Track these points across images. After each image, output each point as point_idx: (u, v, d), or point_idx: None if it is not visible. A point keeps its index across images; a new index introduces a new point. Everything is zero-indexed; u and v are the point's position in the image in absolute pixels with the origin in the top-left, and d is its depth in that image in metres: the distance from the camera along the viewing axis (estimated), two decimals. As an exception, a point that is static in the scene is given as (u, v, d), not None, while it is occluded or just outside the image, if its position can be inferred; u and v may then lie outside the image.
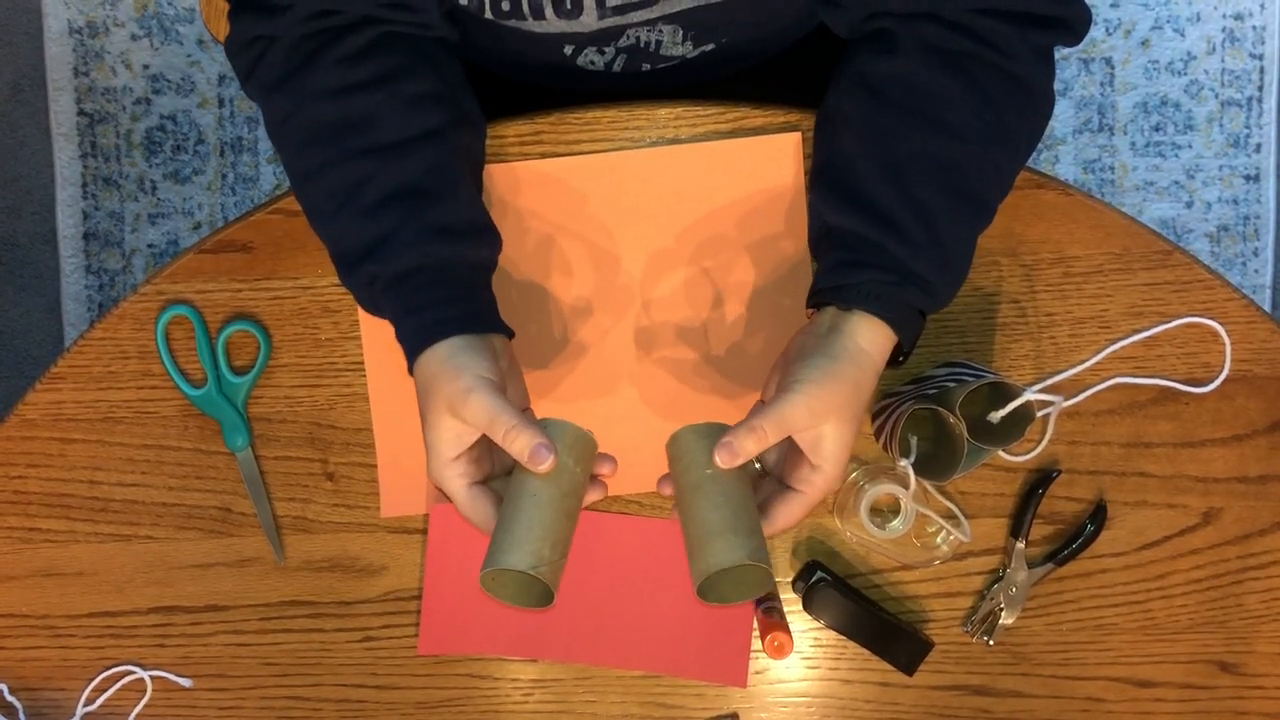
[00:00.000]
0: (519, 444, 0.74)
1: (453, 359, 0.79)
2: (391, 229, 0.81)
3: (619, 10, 0.83)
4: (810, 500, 0.78)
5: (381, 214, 0.81)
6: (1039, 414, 0.89)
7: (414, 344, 0.81)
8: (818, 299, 0.83)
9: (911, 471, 0.87)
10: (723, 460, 0.75)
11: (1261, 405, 0.93)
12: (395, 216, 0.81)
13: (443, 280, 0.82)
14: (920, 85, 0.82)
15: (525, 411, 0.83)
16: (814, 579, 0.91)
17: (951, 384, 0.86)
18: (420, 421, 0.80)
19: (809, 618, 0.93)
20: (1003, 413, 0.86)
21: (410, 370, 0.82)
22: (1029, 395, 0.86)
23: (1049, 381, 0.92)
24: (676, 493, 0.78)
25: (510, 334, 0.84)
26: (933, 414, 0.88)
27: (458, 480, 0.79)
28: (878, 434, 0.91)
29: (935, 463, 0.89)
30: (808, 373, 0.77)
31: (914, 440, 0.89)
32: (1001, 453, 0.93)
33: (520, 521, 0.75)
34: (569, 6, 0.82)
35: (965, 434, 0.83)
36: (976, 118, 0.81)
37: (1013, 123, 0.83)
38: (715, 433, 0.77)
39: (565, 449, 0.76)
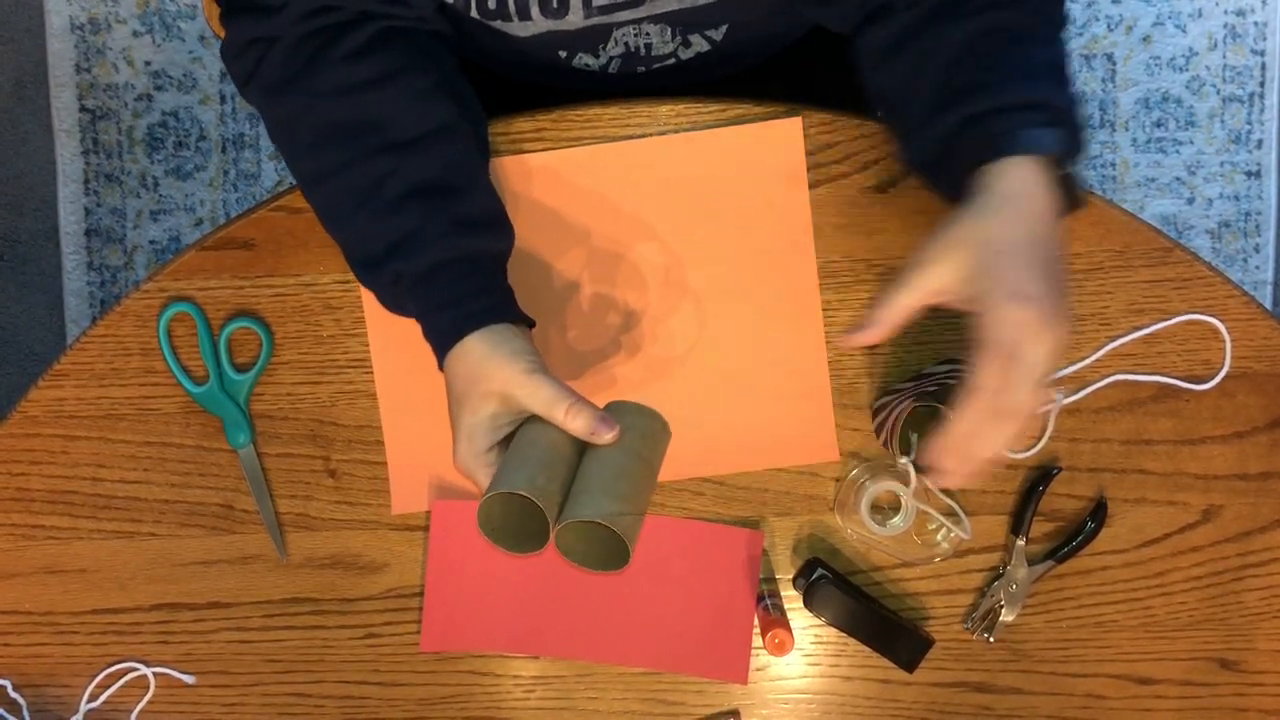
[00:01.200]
0: (581, 420, 0.77)
1: (501, 346, 0.79)
2: (415, 225, 0.81)
3: (605, 10, 0.83)
4: (991, 350, 0.70)
5: (403, 210, 0.81)
6: (1039, 410, 0.89)
7: (447, 337, 0.81)
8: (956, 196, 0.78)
9: (912, 469, 0.87)
10: (855, 338, 0.75)
11: (1262, 402, 0.93)
12: (418, 212, 0.81)
13: (471, 273, 0.82)
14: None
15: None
16: (815, 576, 0.91)
17: (951, 381, 0.86)
18: (446, 416, 0.81)
19: (810, 615, 0.93)
20: None
21: (440, 365, 0.83)
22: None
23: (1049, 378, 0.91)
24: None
25: (532, 323, 0.85)
26: (933, 411, 0.89)
27: (487, 470, 0.80)
28: (878, 431, 0.92)
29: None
30: (933, 236, 0.74)
31: (915, 438, 0.89)
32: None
33: (515, 458, 0.77)
34: (555, 5, 0.82)
35: None
36: None
37: None
38: (636, 411, 0.80)
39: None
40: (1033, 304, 0.70)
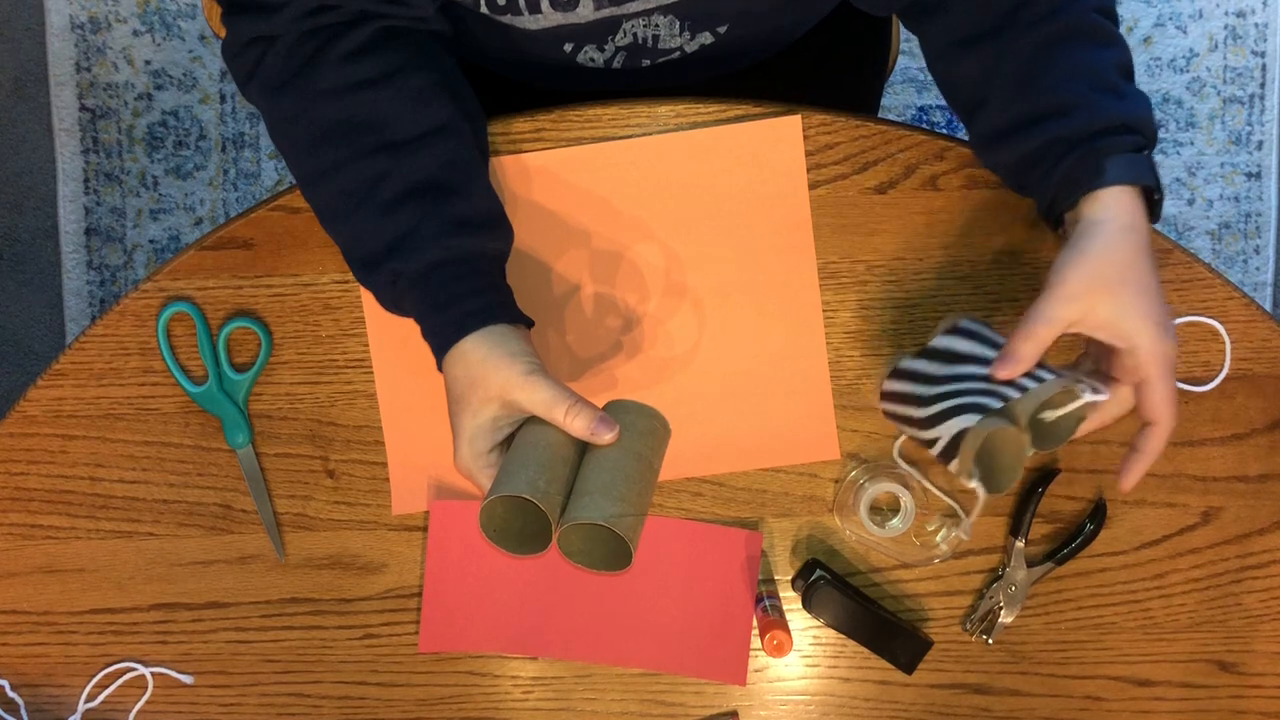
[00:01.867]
0: (581, 421, 0.77)
1: (499, 347, 0.80)
2: (412, 225, 0.81)
3: (616, 0, 0.83)
4: (1159, 384, 0.77)
5: (401, 210, 0.81)
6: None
7: (445, 338, 0.81)
8: (1055, 223, 0.83)
9: (982, 491, 0.80)
10: (1002, 370, 0.78)
11: (1261, 404, 0.93)
12: (415, 212, 0.81)
13: (468, 273, 0.82)
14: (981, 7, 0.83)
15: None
16: (813, 577, 0.91)
17: (1015, 394, 0.79)
18: (446, 417, 0.81)
19: (808, 616, 0.93)
20: (1059, 413, 0.81)
21: (439, 366, 0.83)
22: (1088, 398, 0.80)
23: (1099, 397, 0.83)
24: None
25: (530, 323, 0.85)
26: (1003, 428, 0.82)
27: (488, 472, 0.80)
28: (898, 420, 0.85)
29: (985, 471, 0.81)
30: (1054, 270, 0.78)
31: (980, 463, 0.81)
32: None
33: (515, 459, 0.77)
34: None
35: (1027, 450, 0.79)
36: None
37: None
38: (636, 410, 0.80)
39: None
40: (1173, 338, 0.78)
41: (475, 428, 0.80)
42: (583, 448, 0.80)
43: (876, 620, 0.92)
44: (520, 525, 0.79)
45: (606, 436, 0.77)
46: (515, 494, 0.75)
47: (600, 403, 0.80)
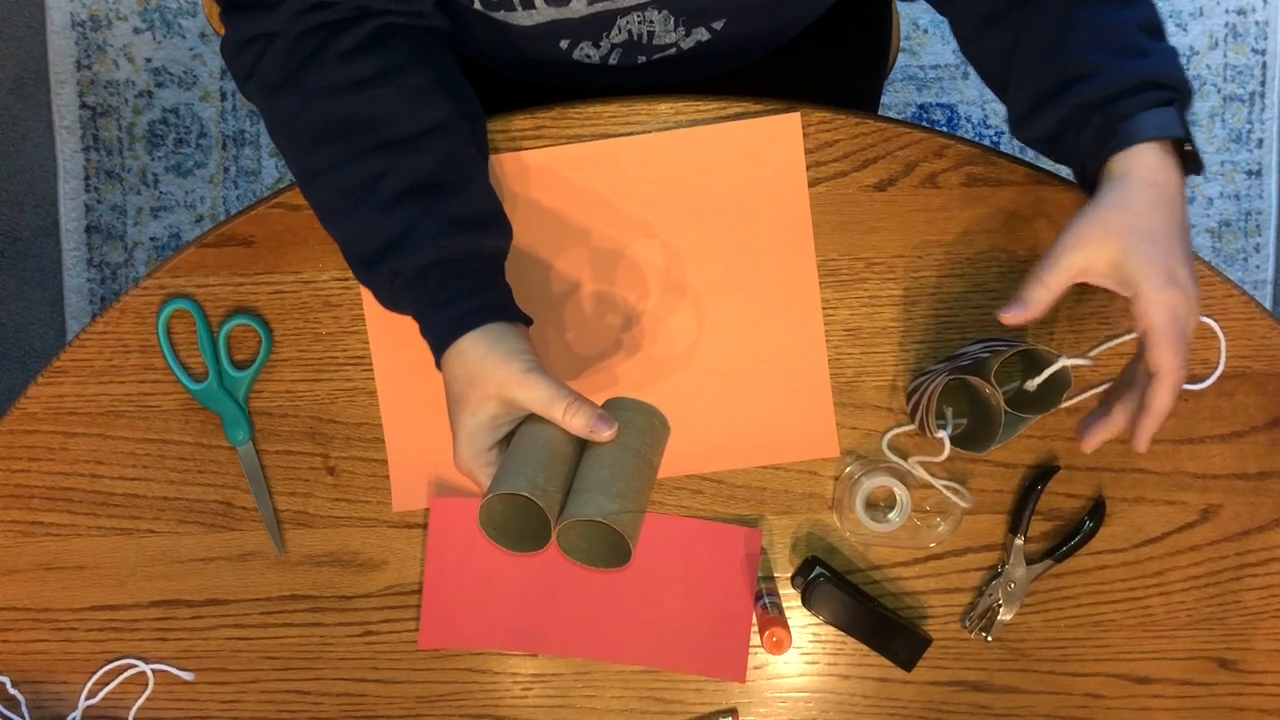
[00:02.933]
0: (580, 418, 0.77)
1: (498, 346, 0.80)
2: (410, 224, 0.81)
3: None
4: (1162, 333, 0.76)
5: (399, 209, 0.81)
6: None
7: (442, 337, 0.82)
8: (1090, 189, 0.82)
9: (947, 441, 0.87)
10: (1010, 316, 0.78)
11: (1260, 402, 0.93)
12: (413, 211, 0.81)
13: (465, 272, 0.82)
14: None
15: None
16: (813, 575, 0.91)
17: (985, 355, 0.86)
18: (446, 414, 0.81)
19: (808, 614, 0.93)
20: (1039, 379, 0.86)
21: (437, 364, 0.83)
22: (1064, 361, 0.84)
23: (1076, 360, 0.87)
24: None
25: (529, 321, 0.85)
26: (968, 388, 0.88)
27: (488, 470, 0.81)
28: (912, 413, 0.91)
29: (973, 436, 0.89)
30: (1068, 223, 0.79)
31: (949, 411, 0.89)
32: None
33: (514, 458, 0.78)
34: None
35: (1001, 402, 0.84)
36: None
37: None
38: (635, 408, 0.80)
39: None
40: (1184, 288, 0.77)
41: (474, 426, 0.80)
42: (582, 445, 0.80)
43: (876, 617, 0.92)
44: (520, 523, 0.79)
45: (605, 434, 0.78)
46: (514, 492, 0.75)
47: (599, 400, 0.80)
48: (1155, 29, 0.83)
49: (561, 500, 0.77)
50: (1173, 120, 0.79)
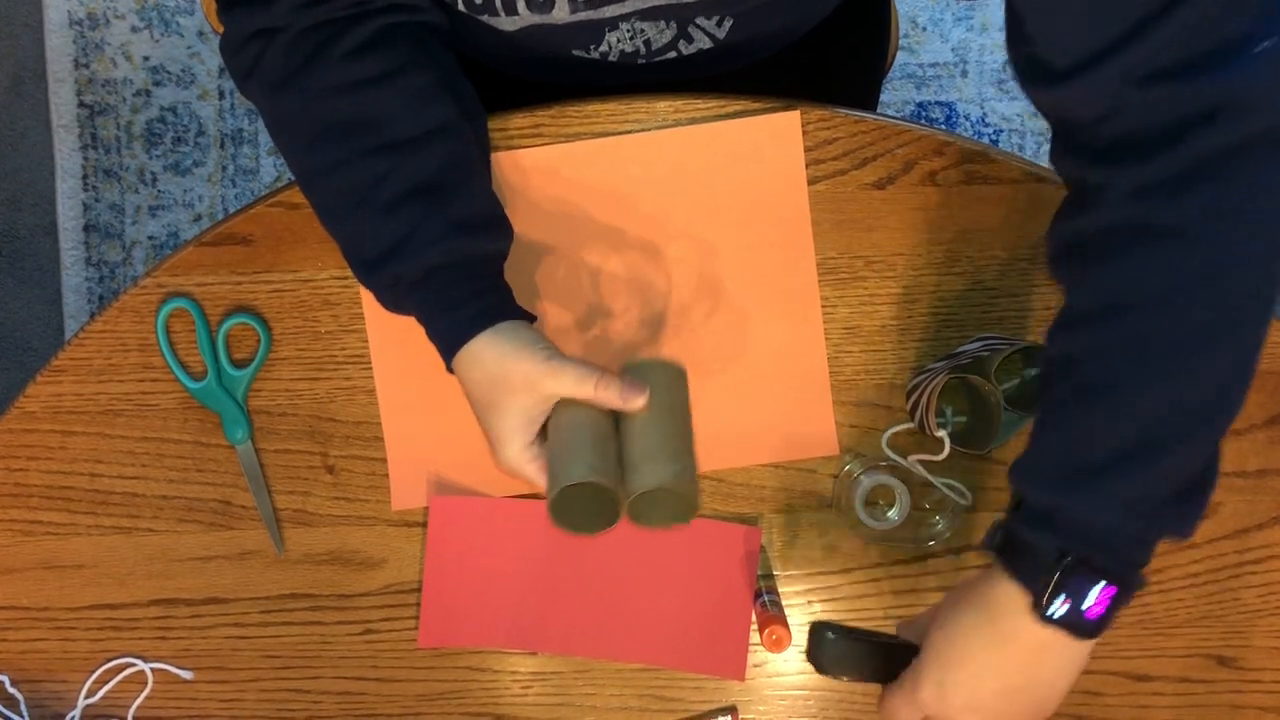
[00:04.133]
0: (612, 391, 0.79)
1: (512, 341, 0.80)
2: (412, 227, 0.81)
3: (591, 4, 0.83)
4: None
5: (400, 212, 0.81)
6: None
7: (452, 341, 0.82)
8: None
9: (947, 440, 0.87)
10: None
11: (1260, 400, 0.93)
12: (415, 214, 0.81)
13: (470, 275, 0.82)
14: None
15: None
16: (821, 639, 0.84)
17: (985, 354, 0.86)
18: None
19: (809, 613, 0.93)
20: (1037, 371, 0.86)
21: (449, 367, 0.83)
22: None
23: None
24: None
25: (533, 318, 0.85)
26: (967, 387, 0.89)
27: (535, 464, 0.82)
28: (912, 411, 0.91)
29: (972, 434, 0.90)
30: (926, 643, 0.76)
31: (949, 410, 0.89)
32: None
33: (560, 448, 0.79)
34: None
35: (1000, 399, 0.84)
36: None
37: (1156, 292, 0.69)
38: (652, 368, 0.82)
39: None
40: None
41: (510, 426, 0.81)
42: (616, 417, 0.81)
43: (890, 654, 0.84)
44: (583, 507, 0.80)
45: (639, 401, 0.79)
46: (583, 480, 0.76)
47: None
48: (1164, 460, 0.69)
49: (619, 474, 0.79)
50: (1079, 595, 0.69)
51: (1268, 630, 0.95)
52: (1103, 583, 0.69)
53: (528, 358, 0.79)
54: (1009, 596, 0.72)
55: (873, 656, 0.82)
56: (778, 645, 0.89)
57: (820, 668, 0.82)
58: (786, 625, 0.90)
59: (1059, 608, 0.70)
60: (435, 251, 0.81)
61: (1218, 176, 0.65)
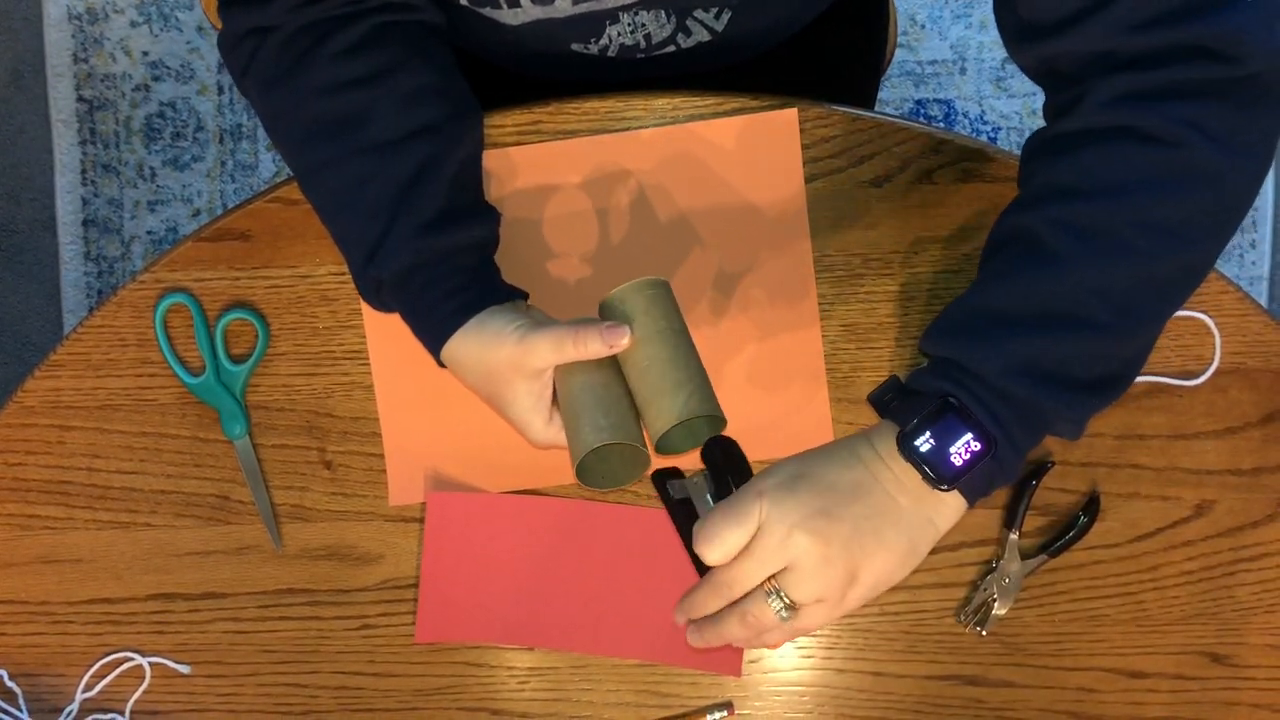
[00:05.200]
0: (593, 341, 0.78)
1: (485, 332, 0.81)
2: (385, 230, 0.82)
3: None
4: (712, 517, 0.73)
5: (379, 214, 0.82)
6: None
7: (432, 340, 0.83)
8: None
9: None
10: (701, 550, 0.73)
11: (1255, 398, 0.94)
12: (388, 217, 0.82)
13: (445, 273, 0.83)
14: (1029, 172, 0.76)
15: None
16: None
17: None
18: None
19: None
20: None
21: (440, 364, 0.84)
22: None
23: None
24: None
25: (525, 294, 0.86)
26: None
27: (563, 435, 0.82)
28: None
29: None
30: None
31: None
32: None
33: (568, 416, 0.80)
34: None
35: None
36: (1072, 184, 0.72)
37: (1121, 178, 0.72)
38: (630, 295, 0.80)
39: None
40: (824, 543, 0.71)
41: (522, 412, 0.82)
42: (613, 360, 0.81)
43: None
44: (611, 465, 0.81)
45: (623, 340, 0.78)
46: (594, 447, 0.77)
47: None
48: (1088, 336, 0.71)
49: (636, 417, 0.79)
50: (921, 423, 0.71)
51: (1262, 627, 0.95)
52: (969, 435, 0.70)
53: (503, 344, 0.79)
54: (879, 433, 0.73)
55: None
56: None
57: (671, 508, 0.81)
58: (782, 621, 0.90)
59: (924, 442, 0.70)
60: (408, 253, 0.81)
61: (1201, 99, 0.68)
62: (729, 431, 0.82)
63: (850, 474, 0.72)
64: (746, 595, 0.73)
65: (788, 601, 0.72)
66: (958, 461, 0.70)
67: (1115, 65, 0.69)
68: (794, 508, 0.71)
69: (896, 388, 0.75)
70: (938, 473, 0.71)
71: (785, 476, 0.73)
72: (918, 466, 0.71)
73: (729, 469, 0.79)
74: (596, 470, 0.82)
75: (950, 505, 0.72)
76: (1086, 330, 0.70)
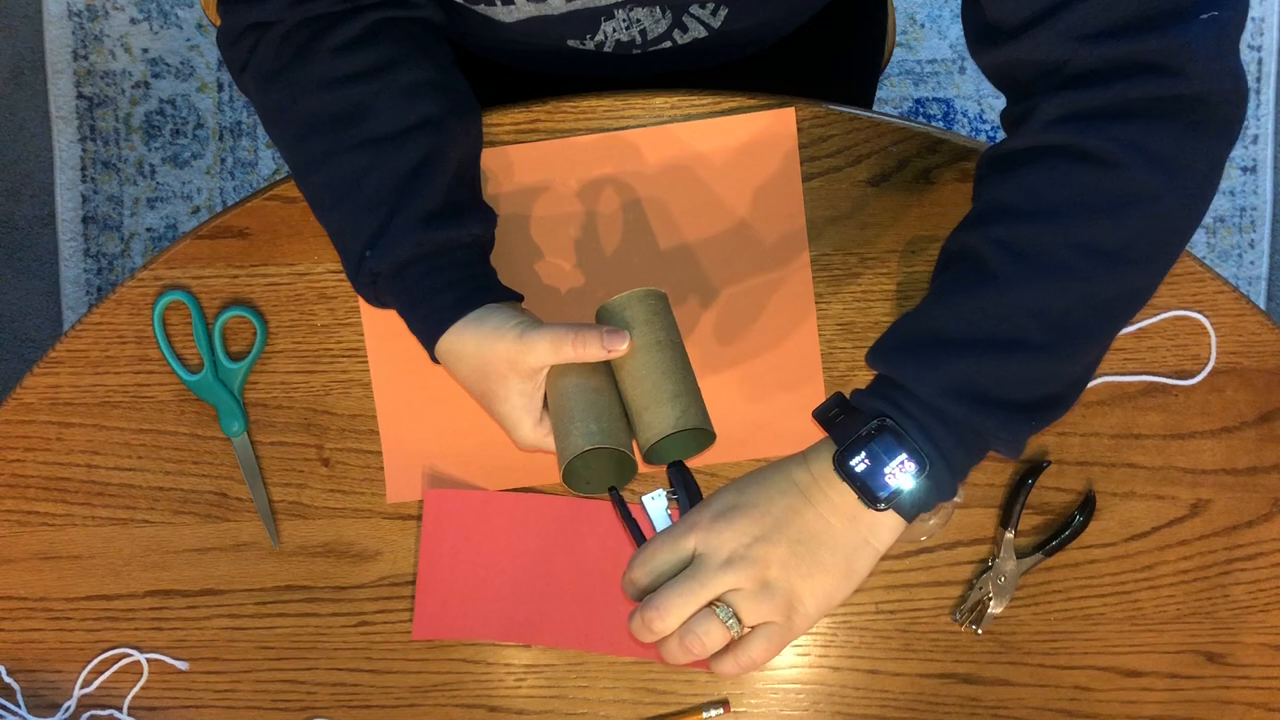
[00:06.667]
0: (592, 344, 0.78)
1: (484, 327, 0.80)
2: (384, 222, 0.81)
3: None
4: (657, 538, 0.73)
5: (378, 207, 0.82)
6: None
7: (427, 334, 0.82)
8: None
9: None
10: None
11: (1250, 397, 0.94)
12: (388, 209, 0.81)
13: (443, 265, 0.82)
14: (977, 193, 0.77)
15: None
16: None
17: None
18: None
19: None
20: None
21: (434, 359, 0.84)
22: None
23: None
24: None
25: (519, 297, 0.86)
26: None
27: (551, 438, 0.82)
28: None
29: None
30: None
31: None
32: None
33: (558, 418, 0.80)
34: None
35: None
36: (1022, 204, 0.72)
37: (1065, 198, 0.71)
38: (631, 303, 0.80)
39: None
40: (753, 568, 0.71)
41: (513, 410, 0.81)
42: (608, 366, 0.81)
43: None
44: (598, 470, 0.81)
45: (622, 346, 0.78)
46: (583, 450, 0.77)
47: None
48: (1032, 373, 0.71)
49: (627, 424, 0.79)
50: (856, 443, 0.70)
51: (1257, 626, 0.95)
52: (904, 454, 0.70)
53: (502, 339, 0.79)
54: (816, 453, 0.73)
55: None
56: (769, 639, 0.89)
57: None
58: (778, 619, 0.91)
59: (859, 461, 0.70)
60: (407, 245, 0.81)
61: (1145, 118, 0.68)
62: (723, 434, 0.83)
63: (784, 499, 0.72)
64: (688, 619, 0.72)
65: (735, 614, 0.71)
66: (892, 482, 0.70)
67: (1065, 80, 0.69)
68: (730, 538, 0.71)
69: (840, 403, 0.74)
70: (870, 493, 0.70)
71: (722, 508, 0.73)
72: (852, 485, 0.71)
73: (687, 493, 0.79)
74: (582, 474, 0.81)
75: (886, 525, 0.72)
76: (1023, 351, 0.69)
